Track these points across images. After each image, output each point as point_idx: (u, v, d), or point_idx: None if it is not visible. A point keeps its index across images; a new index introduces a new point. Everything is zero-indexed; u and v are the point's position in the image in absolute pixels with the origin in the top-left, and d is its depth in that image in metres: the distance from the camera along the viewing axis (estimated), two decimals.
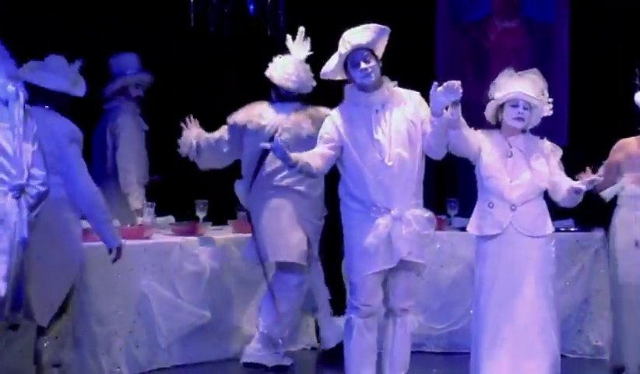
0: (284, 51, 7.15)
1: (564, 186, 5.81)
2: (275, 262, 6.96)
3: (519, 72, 5.93)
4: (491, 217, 5.85)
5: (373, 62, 5.78)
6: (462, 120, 5.82)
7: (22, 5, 8.48)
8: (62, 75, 6.35)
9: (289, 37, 6.75)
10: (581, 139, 7.96)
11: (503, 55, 8.98)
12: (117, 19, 8.82)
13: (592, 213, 7.14)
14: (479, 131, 5.98)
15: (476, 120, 6.12)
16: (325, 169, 5.84)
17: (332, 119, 5.87)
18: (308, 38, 6.80)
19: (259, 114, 6.90)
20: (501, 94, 5.84)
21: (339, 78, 5.92)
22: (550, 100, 5.92)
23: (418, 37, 7.48)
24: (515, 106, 5.85)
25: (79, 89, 6.32)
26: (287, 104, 6.87)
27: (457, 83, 5.61)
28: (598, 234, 7.34)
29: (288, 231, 6.83)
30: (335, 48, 5.83)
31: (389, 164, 5.76)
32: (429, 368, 7.19)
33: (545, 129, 6.70)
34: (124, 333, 6.78)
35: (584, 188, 5.69)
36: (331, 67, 5.86)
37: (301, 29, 6.76)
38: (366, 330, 5.96)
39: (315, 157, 5.75)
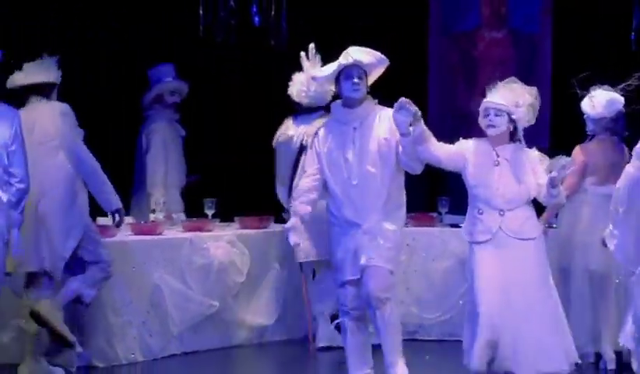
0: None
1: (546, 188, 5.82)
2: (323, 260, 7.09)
3: (504, 82, 5.94)
4: (481, 224, 5.86)
5: (364, 80, 5.91)
6: (428, 135, 5.87)
7: (22, 5, 8.44)
8: (44, 69, 6.66)
9: (302, 54, 6.86)
10: (561, 141, 7.86)
11: (491, 64, 9.11)
12: (117, 19, 8.79)
13: None
14: (468, 140, 6.00)
15: (466, 126, 6.30)
16: (320, 195, 6.02)
17: (315, 147, 6.01)
18: (318, 55, 6.94)
19: (286, 127, 7.25)
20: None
21: (326, 86, 6.15)
22: (529, 102, 5.89)
23: (411, 46, 7.48)
24: (487, 115, 5.85)
25: (55, 77, 6.66)
26: (307, 116, 7.15)
27: (405, 101, 5.71)
28: None
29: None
30: (331, 59, 5.99)
31: (354, 183, 5.89)
32: (422, 355, 7.20)
33: (528, 131, 6.88)
34: (138, 322, 6.92)
35: (555, 175, 5.68)
36: (325, 73, 6.02)
37: (311, 46, 6.91)
38: (357, 331, 6.10)
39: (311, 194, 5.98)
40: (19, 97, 6.54)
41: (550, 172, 5.71)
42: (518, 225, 5.81)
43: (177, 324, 7.13)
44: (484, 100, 5.87)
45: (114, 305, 6.90)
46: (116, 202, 6.60)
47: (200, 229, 7.40)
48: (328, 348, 7.19)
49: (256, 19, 7.96)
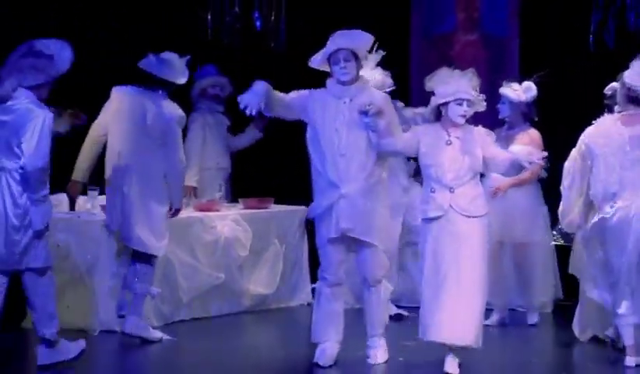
0: (284, 59, 7.47)
1: (500, 156, 5.90)
2: None
3: (459, 71, 5.96)
4: (434, 201, 5.87)
5: (352, 62, 5.92)
6: (389, 130, 5.91)
7: (23, 5, 8.29)
8: (173, 67, 6.80)
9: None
10: None
11: (465, 64, 7.92)
12: (117, 19, 8.69)
13: None
14: (419, 126, 6.13)
15: None
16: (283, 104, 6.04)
17: (311, 94, 6.02)
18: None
19: None
20: (445, 92, 5.87)
21: (322, 69, 6.03)
22: (483, 96, 5.93)
23: (395, 47, 7.19)
24: (460, 104, 5.88)
25: (182, 79, 6.82)
26: None
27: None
28: None
29: None
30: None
31: (343, 151, 5.88)
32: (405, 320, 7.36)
33: (498, 124, 7.15)
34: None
35: (523, 163, 5.79)
36: (317, 58, 6.03)
37: None
38: (333, 298, 6.04)
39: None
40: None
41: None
42: (466, 202, 5.84)
43: (187, 293, 7.34)
44: (458, 89, 5.86)
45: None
46: (180, 203, 6.91)
47: (209, 209, 7.62)
48: None
49: (257, 23, 8.09)
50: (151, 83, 6.74)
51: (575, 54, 8.21)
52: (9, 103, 5.81)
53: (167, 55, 6.82)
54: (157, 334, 6.84)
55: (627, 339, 6.11)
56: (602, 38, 8.00)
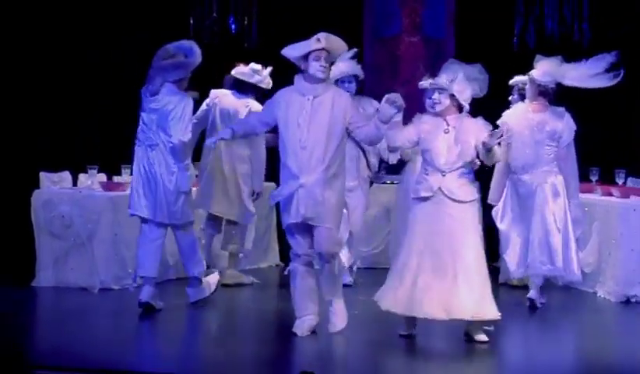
0: (256, 56, 7.51)
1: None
2: None
3: (446, 63, 5.91)
4: (426, 182, 5.81)
5: (328, 64, 5.85)
6: (399, 125, 5.98)
7: (23, 5, 8.41)
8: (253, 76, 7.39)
9: None
10: None
11: (409, 62, 9.31)
12: (117, 19, 8.71)
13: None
14: (421, 116, 5.94)
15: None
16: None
17: (276, 99, 5.92)
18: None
19: None
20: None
21: (294, 60, 5.78)
22: (470, 77, 5.77)
23: (349, 47, 6.37)
24: (431, 96, 5.92)
25: (267, 85, 7.42)
26: None
27: (397, 97, 5.69)
28: None
29: None
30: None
31: (304, 145, 5.78)
32: (357, 280, 7.65)
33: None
34: None
35: (487, 141, 5.68)
36: (295, 49, 5.80)
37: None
38: (307, 275, 5.99)
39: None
40: None
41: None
42: (455, 187, 5.77)
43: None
44: (427, 82, 5.86)
45: (127, 243, 7.33)
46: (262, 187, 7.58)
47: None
48: None
49: (233, 26, 8.34)
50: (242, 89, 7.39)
51: (502, 53, 8.40)
52: (159, 95, 6.59)
53: (257, 66, 7.42)
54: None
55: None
56: (524, 40, 8.48)
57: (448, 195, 5.76)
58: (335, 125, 5.83)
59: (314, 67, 5.81)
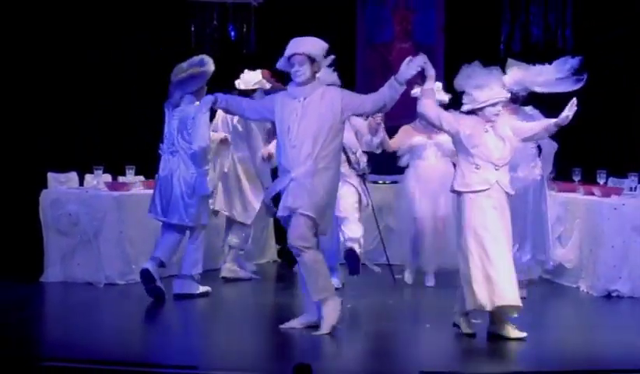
0: (254, 63, 7.63)
1: (537, 125, 5.99)
2: None
3: (487, 70, 5.92)
4: (477, 176, 5.81)
5: (306, 65, 5.88)
6: (433, 94, 5.91)
7: (23, 5, 8.41)
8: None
9: None
10: None
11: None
12: (117, 19, 8.74)
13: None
14: (462, 115, 5.93)
15: (385, 114, 6.76)
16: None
17: (275, 97, 6.05)
18: None
19: None
20: (480, 98, 5.82)
21: (286, 70, 5.93)
22: (496, 80, 5.86)
23: (343, 54, 6.85)
24: (494, 106, 5.85)
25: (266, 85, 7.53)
26: None
27: (419, 59, 5.79)
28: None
29: None
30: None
31: (294, 143, 5.87)
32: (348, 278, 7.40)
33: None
34: (147, 252, 7.17)
35: (560, 122, 5.82)
36: (281, 62, 6.00)
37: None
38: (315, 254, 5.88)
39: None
40: None
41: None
42: (508, 180, 5.86)
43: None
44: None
45: (131, 240, 7.48)
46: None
47: None
48: None
49: (232, 34, 8.43)
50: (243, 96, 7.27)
51: (489, 58, 7.02)
52: (180, 107, 6.96)
53: (251, 72, 7.59)
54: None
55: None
56: (510, 46, 8.51)
57: (504, 189, 5.84)
58: (325, 121, 5.89)
59: (292, 72, 6.00)
